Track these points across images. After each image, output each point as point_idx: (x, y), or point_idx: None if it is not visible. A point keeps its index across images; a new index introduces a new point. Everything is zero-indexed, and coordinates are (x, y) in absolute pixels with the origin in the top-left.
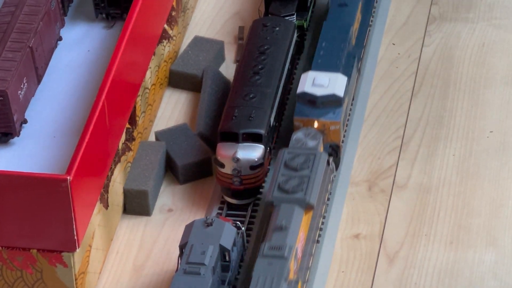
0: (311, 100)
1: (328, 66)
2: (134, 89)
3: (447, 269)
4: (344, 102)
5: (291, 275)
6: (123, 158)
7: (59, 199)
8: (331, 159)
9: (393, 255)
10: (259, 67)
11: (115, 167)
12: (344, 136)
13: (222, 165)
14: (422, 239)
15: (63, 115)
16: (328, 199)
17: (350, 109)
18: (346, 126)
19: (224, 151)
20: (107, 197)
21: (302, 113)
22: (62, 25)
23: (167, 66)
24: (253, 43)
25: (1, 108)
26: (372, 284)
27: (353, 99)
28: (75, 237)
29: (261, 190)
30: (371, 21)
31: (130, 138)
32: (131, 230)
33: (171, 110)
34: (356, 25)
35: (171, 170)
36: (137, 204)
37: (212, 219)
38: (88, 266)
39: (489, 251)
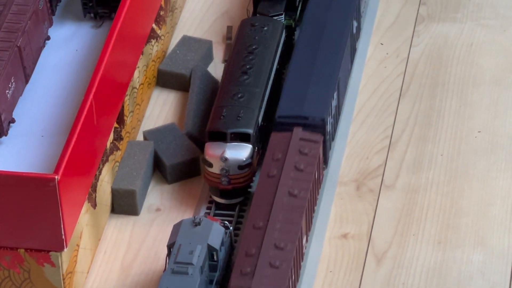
0: None
1: None
2: (122, 88)
3: (435, 269)
4: None
5: None
6: (111, 157)
7: (47, 199)
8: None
9: (381, 254)
10: (248, 66)
11: (103, 167)
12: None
13: (210, 165)
14: (410, 239)
15: (51, 115)
16: None
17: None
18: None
19: (212, 151)
20: (95, 197)
21: None
22: (50, 25)
23: (155, 66)
24: (241, 43)
25: None
26: (360, 284)
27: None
28: (63, 237)
29: (249, 189)
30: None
31: (118, 138)
32: (119, 229)
33: (159, 109)
34: None
35: (159, 169)
36: (125, 204)
37: (200, 219)
38: (76, 265)
39: (477, 251)
